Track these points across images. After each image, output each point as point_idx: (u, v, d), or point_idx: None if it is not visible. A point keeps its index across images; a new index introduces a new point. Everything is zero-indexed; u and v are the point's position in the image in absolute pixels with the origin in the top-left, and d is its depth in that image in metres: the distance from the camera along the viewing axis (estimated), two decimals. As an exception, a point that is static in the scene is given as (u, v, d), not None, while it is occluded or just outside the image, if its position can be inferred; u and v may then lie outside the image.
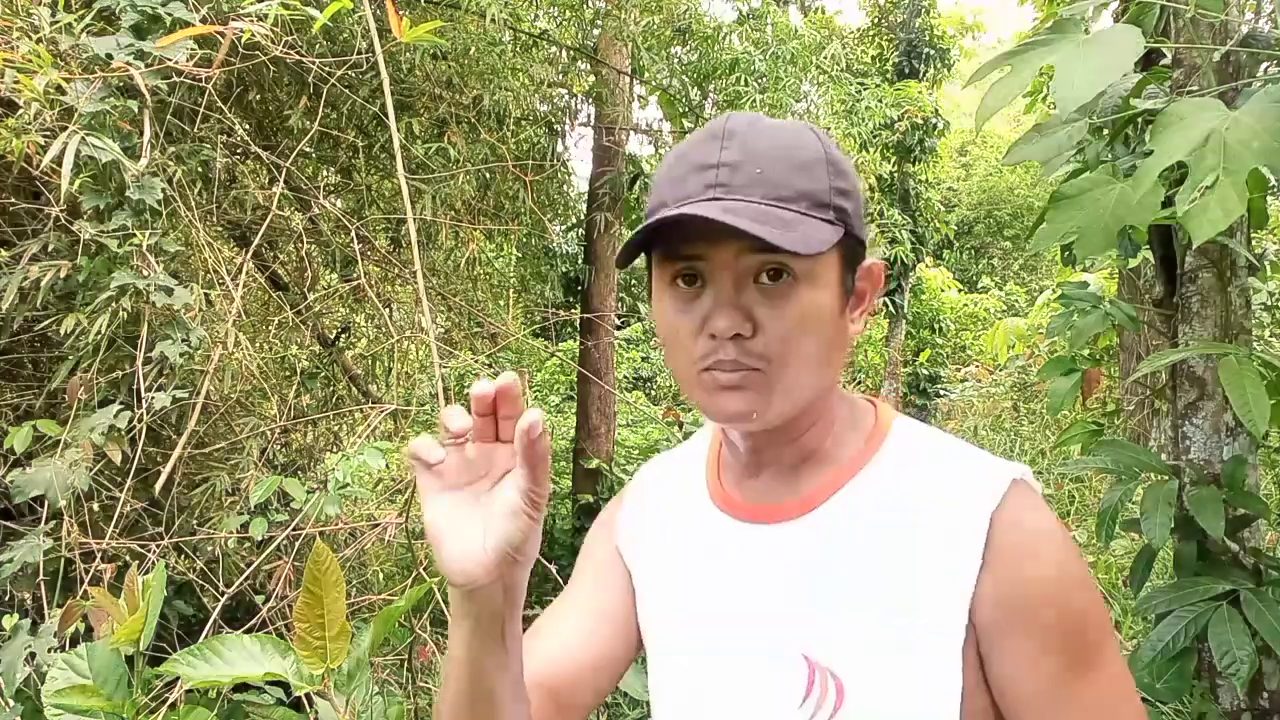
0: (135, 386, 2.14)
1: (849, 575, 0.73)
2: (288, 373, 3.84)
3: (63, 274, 2.12)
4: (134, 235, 2.12)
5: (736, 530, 0.80)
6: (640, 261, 0.77)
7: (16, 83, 2.00)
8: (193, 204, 2.55)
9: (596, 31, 5.33)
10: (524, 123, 4.48)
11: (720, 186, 0.70)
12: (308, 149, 3.38)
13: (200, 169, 2.83)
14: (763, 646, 0.76)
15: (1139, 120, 1.92)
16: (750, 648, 0.76)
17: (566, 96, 5.42)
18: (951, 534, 0.70)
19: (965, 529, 0.69)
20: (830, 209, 0.71)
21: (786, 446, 0.78)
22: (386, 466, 2.31)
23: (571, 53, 5.30)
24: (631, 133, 5.89)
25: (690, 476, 0.88)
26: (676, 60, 5.52)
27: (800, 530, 0.76)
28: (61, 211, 2.16)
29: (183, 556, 2.47)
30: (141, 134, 2.17)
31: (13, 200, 2.41)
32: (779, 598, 0.76)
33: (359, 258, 3.28)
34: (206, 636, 1.73)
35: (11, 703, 1.75)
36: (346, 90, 3.25)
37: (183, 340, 2.19)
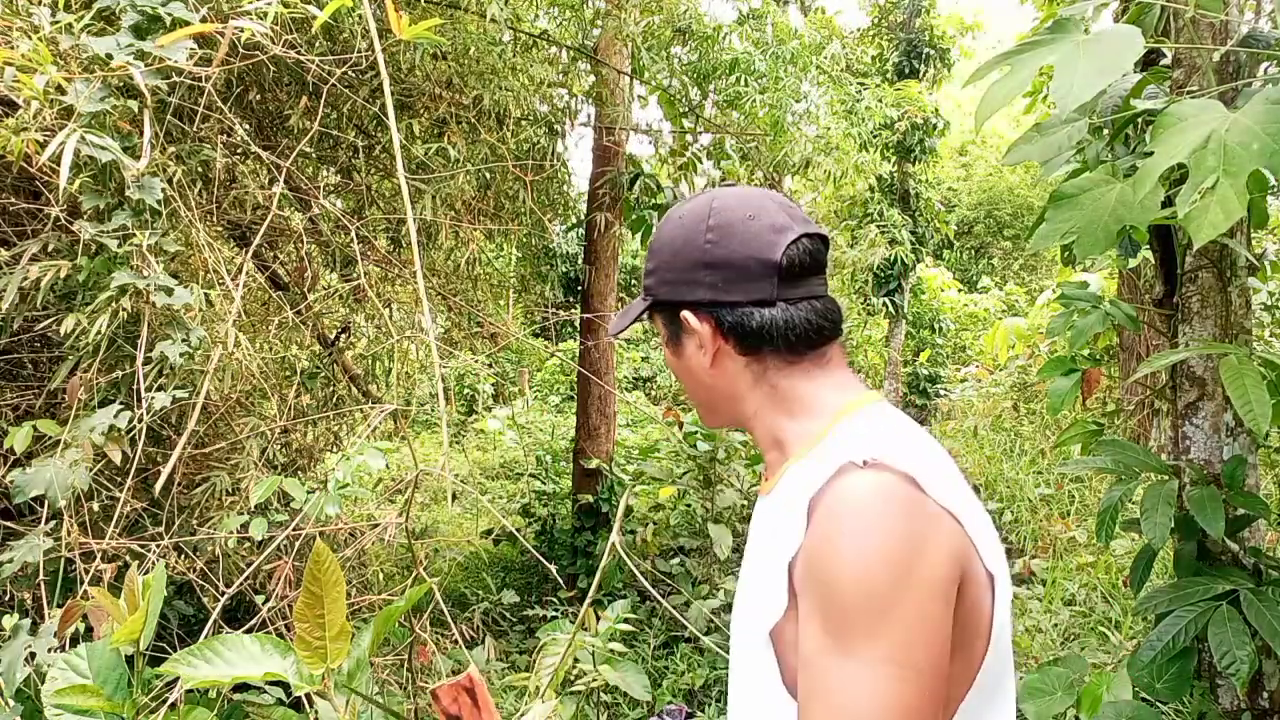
0: (135, 386, 2.13)
1: (755, 543, 0.92)
2: (288, 373, 3.83)
3: (63, 274, 2.12)
4: (134, 235, 2.12)
5: (758, 502, 0.99)
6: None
7: (16, 81, 1.99)
8: (193, 204, 2.55)
9: (596, 31, 5.32)
10: (524, 123, 4.47)
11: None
12: (308, 149, 3.38)
13: (200, 169, 2.83)
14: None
15: (1139, 120, 1.92)
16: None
17: (566, 96, 5.41)
18: (792, 517, 0.81)
19: (796, 514, 0.80)
20: (644, 289, 1.00)
21: (761, 444, 0.97)
22: (386, 466, 2.30)
23: (571, 53, 5.30)
24: (631, 133, 5.89)
25: None
26: (676, 60, 5.51)
27: (764, 504, 0.94)
28: (61, 211, 2.16)
29: (183, 556, 2.47)
30: (141, 134, 2.17)
31: (13, 200, 2.42)
32: (749, 550, 0.95)
33: (359, 258, 3.28)
34: (206, 636, 1.73)
35: (11, 703, 1.75)
36: (346, 90, 3.25)
37: (183, 340, 2.19)
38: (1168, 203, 1.71)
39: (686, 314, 0.94)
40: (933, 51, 10.87)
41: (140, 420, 2.12)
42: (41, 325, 2.35)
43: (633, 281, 10.15)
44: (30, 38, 2.06)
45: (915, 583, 0.71)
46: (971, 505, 0.80)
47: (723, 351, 0.94)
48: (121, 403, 2.15)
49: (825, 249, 0.95)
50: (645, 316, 1.01)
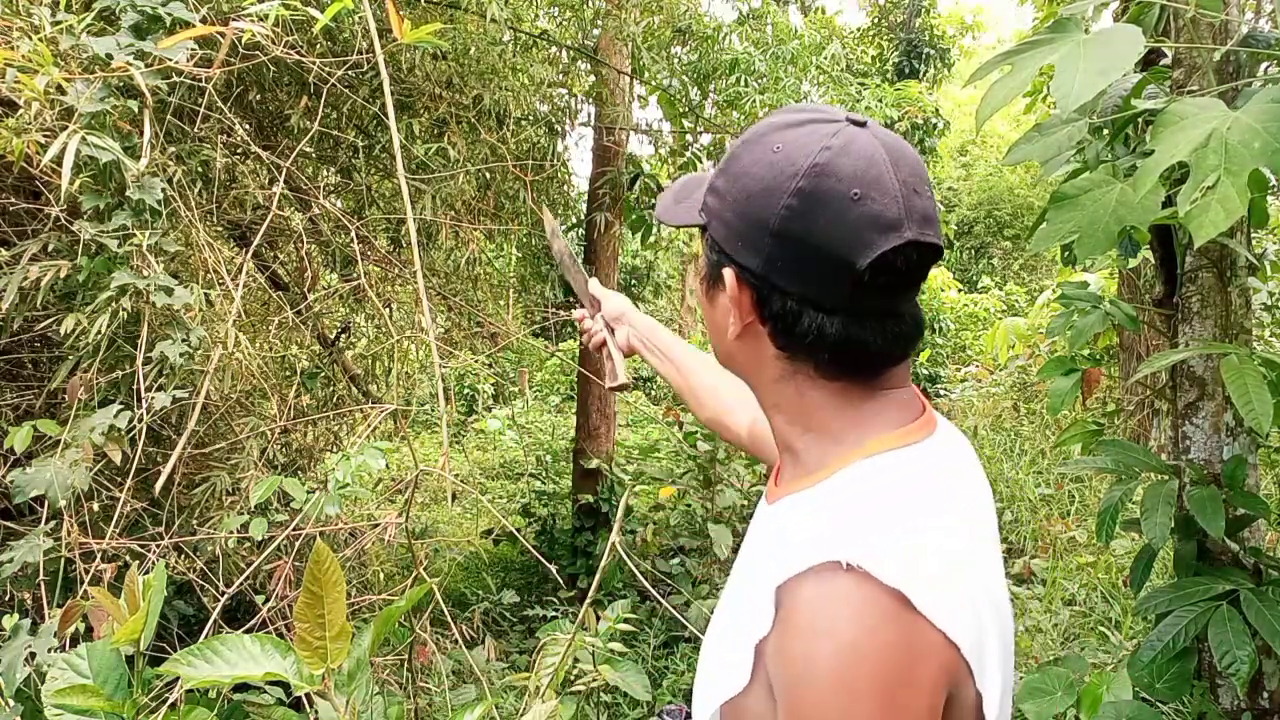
0: (135, 386, 2.14)
1: (739, 571, 0.83)
2: (288, 373, 3.84)
3: (63, 274, 2.12)
4: (134, 235, 2.12)
5: (760, 504, 0.89)
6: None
7: (17, 82, 2.00)
8: (193, 204, 2.55)
9: (596, 31, 5.33)
10: (524, 123, 4.48)
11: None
12: (308, 149, 3.38)
13: (200, 169, 2.83)
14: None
15: (1139, 120, 1.92)
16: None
17: (566, 96, 5.42)
18: (763, 586, 0.70)
19: (767, 588, 0.69)
20: (704, 205, 0.80)
21: (780, 443, 0.84)
22: (386, 466, 2.31)
23: (571, 53, 5.30)
24: (631, 133, 5.89)
25: None
26: (676, 60, 5.51)
27: (766, 514, 0.84)
28: (61, 211, 2.16)
29: (183, 556, 2.47)
30: (141, 134, 2.17)
31: (13, 200, 2.41)
32: (735, 566, 0.87)
33: (359, 258, 3.28)
34: (206, 636, 1.73)
35: (11, 703, 1.75)
36: (347, 90, 3.25)
37: (183, 340, 2.19)
38: (1168, 202, 1.71)
39: (728, 272, 0.76)
40: (933, 51, 10.88)
41: (140, 420, 2.12)
42: (41, 325, 2.35)
43: (633, 282, 10.16)
44: (31, 38, 2.06)
45: (901, 712, 0.63)
46: (976, 606, 0.69)
47: (755, 331, 0.78)
48: (121, 403, 2.15)
49: (934, 261, 0.73)
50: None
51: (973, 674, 0.67)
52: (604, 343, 1.42)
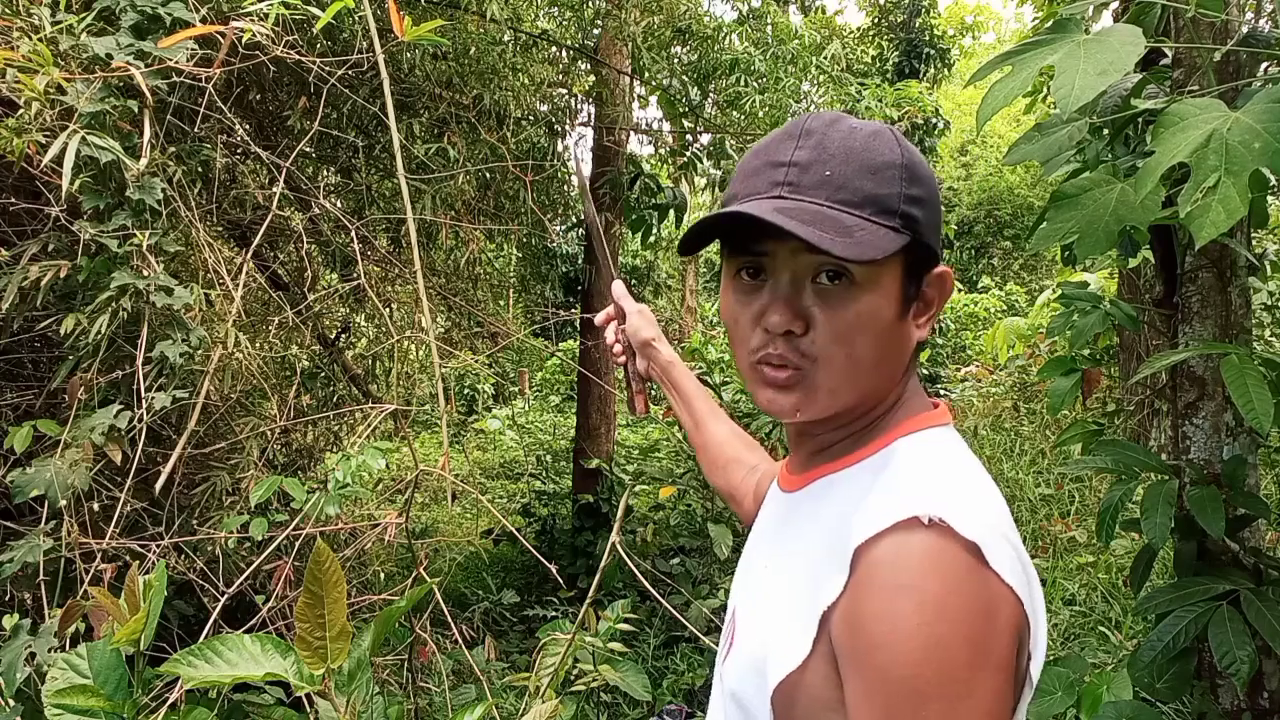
0: (135, 386, 2.13)
1: (779, 553, 0.82)
2: (288, 373, 3.83)
3: (63, 274, 2.12)
4: (134, 235, 2.12)
5: (774, 493, 0.91)
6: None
7: (17, 82, 2.00)
8: (193, 204, 2.55)
9: (596, 31, 5.33)
10: (524, 123, 4.48)
11: (787, 185, 0.72)
12: (308, 149, 3.38)
13: (200, 169, 2.83)
14: (736, 593, 0.89)
15: (1139, 120, 1.92)
16: (735, 592, 0.90)
17: (566, 96, 5.42)
18: (832, 553, 0.70)
19: (840, 552, 0.69)
20: (897, 216, 0.73)
21: (824, 433, 0.82)
22: (386, 466, 2.30)
23: (572, 53, 5.30)
24: (631, 133, 5.89)
25: None
26: (676, 60, 5.51)
27: (789, 502, 0.85)
28: (61, 211, 2.16)
29: (183, 556, 2.47)
30: (141, 134, 2.17)
31: (13, 200, 2.41)
32: (758, 554, 0.87)
33: (359, 258, 3.28)
34: (206, 636, 1.73)
35: (11, 703, 1.75)
36: (347, 90, 3.25)
37: (183, 340, 2.19)
38: (1169, 202, 1.71)
39: (948, 271, 0.79)
40: (933, 51, 10.88)
41: (140, 420, 2.12)
42: (41, 325, 2.35)
43: (633, 281, 10.16)
44: (31, 38, 2.06)
45: (990, 664, 0.64)
46: (1028, 570, 0.71)
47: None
48: (121, 403, 2.15)
49: None
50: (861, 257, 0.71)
51: (1031, 632, 0.69)
52: (626, 364, 1.39)
